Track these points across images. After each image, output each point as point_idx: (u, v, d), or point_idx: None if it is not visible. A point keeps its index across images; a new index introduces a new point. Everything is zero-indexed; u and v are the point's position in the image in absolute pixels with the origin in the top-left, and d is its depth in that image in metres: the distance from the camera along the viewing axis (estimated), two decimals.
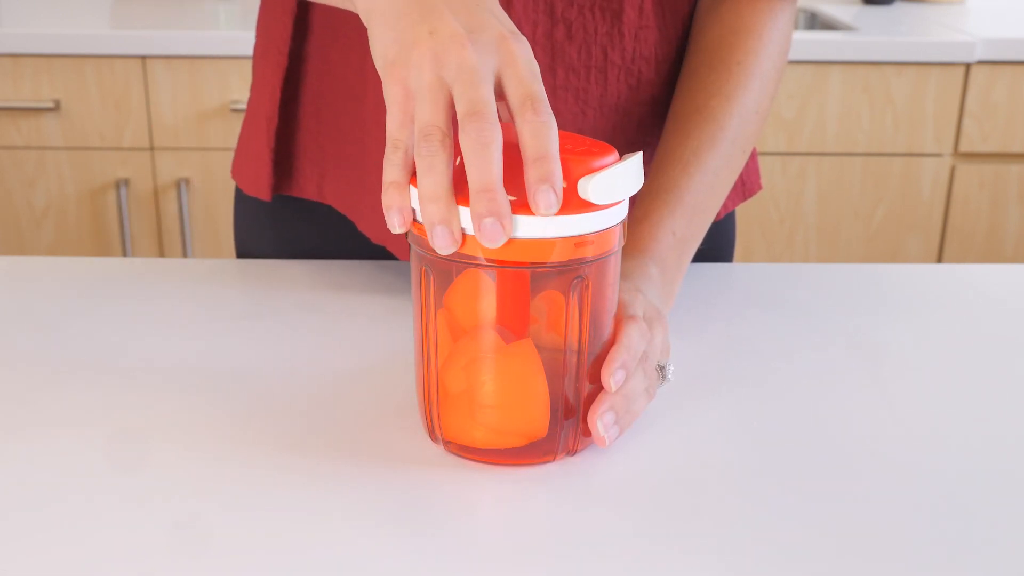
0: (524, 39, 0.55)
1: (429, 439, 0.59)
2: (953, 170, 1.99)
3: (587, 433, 0.57)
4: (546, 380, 0.55)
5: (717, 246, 0.89)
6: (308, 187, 0.82)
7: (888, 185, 2.00)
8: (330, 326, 0.73)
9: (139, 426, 0.60)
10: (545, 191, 0.50)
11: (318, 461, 0.57)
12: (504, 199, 0.50)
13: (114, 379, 0.66)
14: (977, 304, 0.79)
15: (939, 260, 2.06)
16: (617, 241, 0.55)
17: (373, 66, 0.75)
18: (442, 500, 0.54)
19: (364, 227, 0.80)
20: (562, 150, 0.53)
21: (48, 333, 0.72)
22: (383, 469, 0.57)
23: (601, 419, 0.56)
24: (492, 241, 0.50)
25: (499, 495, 0.55)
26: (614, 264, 0.56)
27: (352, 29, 0.76)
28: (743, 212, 1.99)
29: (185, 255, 1.99)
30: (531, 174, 0.50)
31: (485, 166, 0.50)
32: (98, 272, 0.82)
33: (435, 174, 0.51)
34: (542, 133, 0.51)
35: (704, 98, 0.74)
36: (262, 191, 0.83)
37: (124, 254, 1.99)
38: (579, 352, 0.55)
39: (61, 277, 0.81)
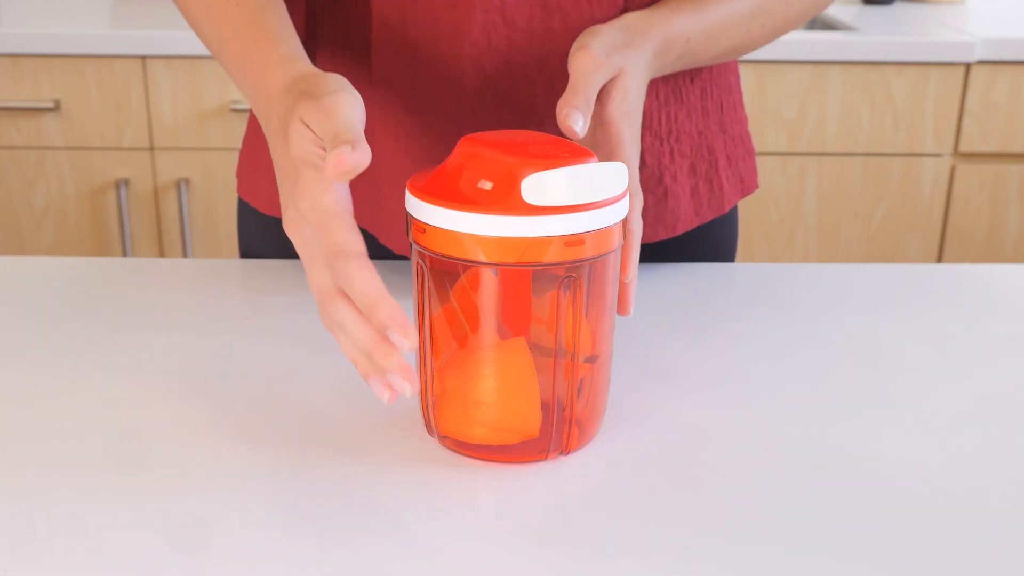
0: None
1: (431, 439, 0.59)
2: (953, 170, 1.99)
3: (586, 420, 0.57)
4: (537, 378, 0.55)
5: (721, 242, 0.89)
6: None
7: (888, 185, 2.00)
8: None
9: (139, 426, 0.60)
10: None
11: (318, 460, 0.57)
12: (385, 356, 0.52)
13: (114, 379, 0.66)
14: (977, 304, 0.79)
15: (939, 260, 2.06)
16: (614, 242, 0.55)
17: (381, 82, 0.75)
18: (443, 499, 0.54)
19: (385, 240, 0.79)
20: (537, 150, 0.54)
21: (48, 333, 0.72)
22: (383, 468, 0.57)
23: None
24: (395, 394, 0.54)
25: (500, 493, 0.55)
26: (612, 265, 0.56)
27: (358, 44, 0.76)
28: (743, 212, 1.99)
29: (185, 255, 1.99)
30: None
31: (354, 338, 0.53)
32: (98, 272, 0.82)
33: (348, 334, 0.54)
34: None
35: None
36: (277, 207, 0.82)
37: (124, 254, 1.99)
38: (573, 354, 0.55)
39: (61, 277, 0.81)
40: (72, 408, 0.62)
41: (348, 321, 0.53)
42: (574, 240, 0.52)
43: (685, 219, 0.82)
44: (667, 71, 0.72)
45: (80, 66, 1.88)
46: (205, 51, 1.85)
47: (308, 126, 0.55)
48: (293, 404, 0.63)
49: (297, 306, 0.77)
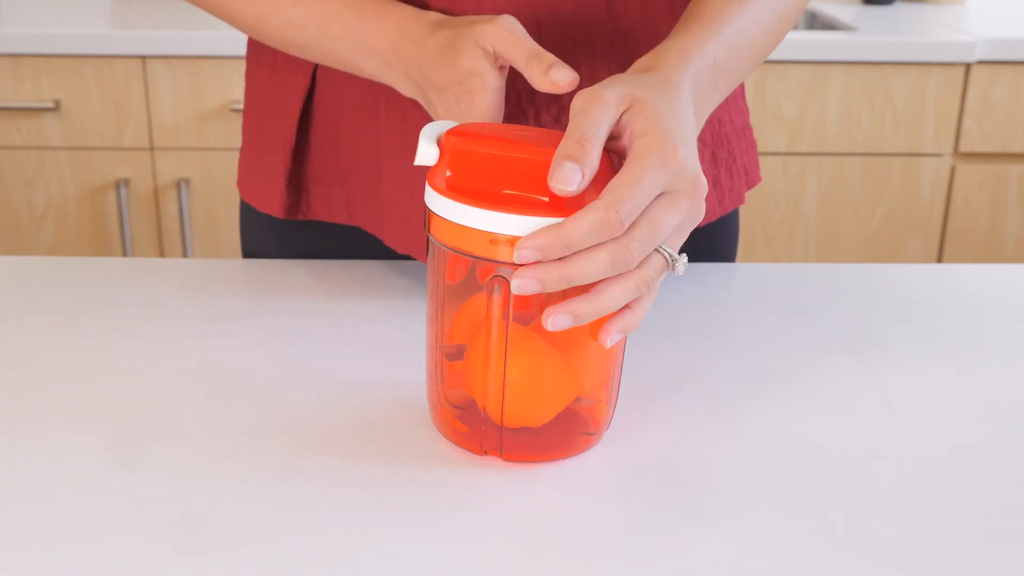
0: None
1: (428, 439, 0.59)
2: (953, 170, 1.99)
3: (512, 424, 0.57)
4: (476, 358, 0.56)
5: (722, 240, 0.89)
6: (319, 209, 0.82)
7: (888, 185, 2.00)
8: (331, 326, 0.73)
9: (139, 426, 0.60)
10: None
11: (318, 460, 0.57)
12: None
13: (114, 379, 0.66)
14: (977, 304, 0.79)
15: (939, 260, 2.06)
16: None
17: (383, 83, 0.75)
18: (444, 500, 0.54)
19: (388, 240, 0.79)
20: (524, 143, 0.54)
21: (48, 333, 0.72)
22: (384, 468, 0.57)
23: (607, 333, 0.55)
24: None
25: (501, 495, 0.55)
26: None
27: None
28: (743, 212, 1.99)
29: (185, 255, 1.99)
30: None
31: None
32: (98, 272, 0.82)
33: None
34: None
35: None
36: (275, 209, 0.82)
37: (124, 254, 1.99)
38: (500, 358, 0.54)
39: (61, 277, 0.81)
40: (72, 408, 0.62)
41: None
42: (492, 239, 0.51)
43: (709, 209, 0.81)
44: (713, 98, 0.66)
45: (80, 66, 1.88)
46: (205, 51, 1.85)
47: (482, 47, 0.63)
48: (293, 404, 0.63)
49: (298, 306, 0.77)
